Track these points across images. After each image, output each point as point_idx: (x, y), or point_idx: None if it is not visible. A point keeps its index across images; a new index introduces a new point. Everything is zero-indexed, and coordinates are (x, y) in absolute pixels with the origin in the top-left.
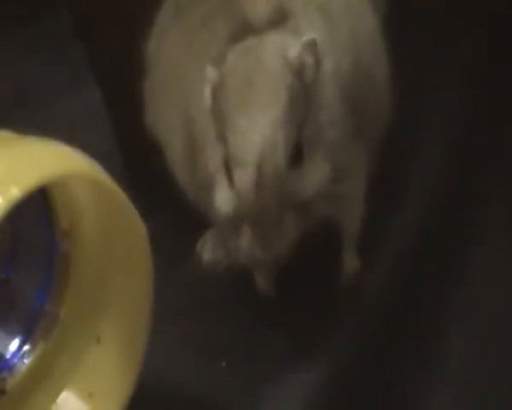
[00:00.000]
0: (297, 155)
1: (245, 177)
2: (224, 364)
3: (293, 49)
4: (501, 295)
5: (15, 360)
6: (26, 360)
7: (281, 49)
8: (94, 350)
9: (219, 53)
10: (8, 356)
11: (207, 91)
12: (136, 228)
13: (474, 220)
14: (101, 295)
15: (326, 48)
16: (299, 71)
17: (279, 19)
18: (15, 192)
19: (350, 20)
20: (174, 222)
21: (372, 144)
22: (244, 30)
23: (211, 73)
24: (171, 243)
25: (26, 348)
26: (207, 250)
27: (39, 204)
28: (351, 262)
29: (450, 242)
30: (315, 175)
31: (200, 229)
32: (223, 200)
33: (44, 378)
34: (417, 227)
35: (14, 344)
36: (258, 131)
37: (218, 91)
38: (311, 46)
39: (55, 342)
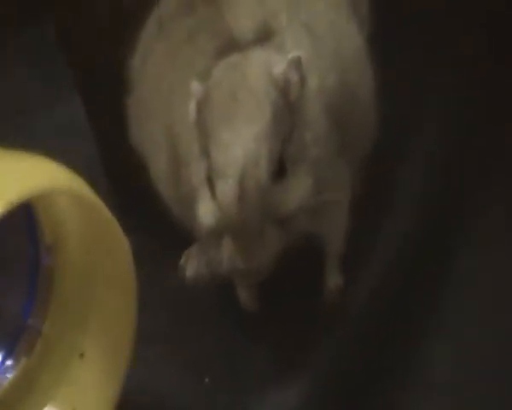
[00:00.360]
0: (280, 170)
1: (227, 189)
2: (206, 380)
3: (279, 66)
4: (489, 304)
5: None
6: (8, 375)
7: (266, 66)
8: (77, 365)
9: (204, 68)
10: None
11: (192, 106)
12: (119, 243)
13: (473, 222)
14: (84, 310)
15: (311, 65)
16: (283, 88)
17: (264, 35)
18: None
19: (335, 38)
20: (157, 237)
21: (356, 161)
22: (229, 46)
23: (196, 87)
24: (155, 258)
25: (8, 362)
26: (190, 265)
27: (23, 218)
28: (333, 279)
29: (444, 248)
30: (297, 190)
31: (183, 244)
32: (205, 212)
33: (27, 393)
34: (410, 234)
35: None
36: (240, 144)
37: (202, 105)
38: (296, 64)
39: (38, 357)
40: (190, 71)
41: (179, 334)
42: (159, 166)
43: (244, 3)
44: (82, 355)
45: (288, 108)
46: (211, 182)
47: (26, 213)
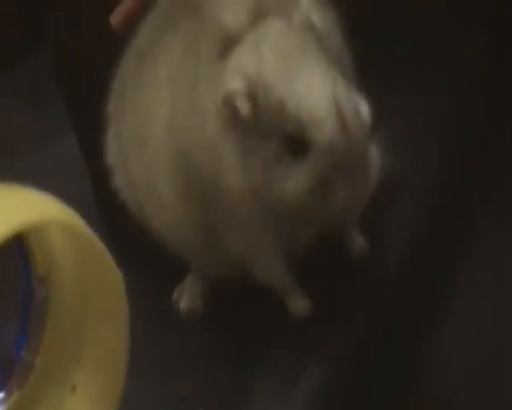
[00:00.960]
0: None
1: (329, 127)
2: None
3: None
4: (489, 313)
5: None
6: (1, 408)
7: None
8: (69, 399)
9: (211, 73)
10: None
11: (241, 103)
12: (112, 275)
13: (472, 225)
14: (77, 343)
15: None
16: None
17: (259, 17)
18: None
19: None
20: (151, 271)
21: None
22: (230, 42)
23: (235, 85)
24: (148, 291)
25: (0, 395)
26: (184, 298)
27: (16, 250)
28: (359, 242)
29: (444, 250)
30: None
31: (176, 278)
32: (296, 181)
33: None
34: (412, 233)
35: None
36: (319, 85)
37: (254, 91)
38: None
39: (30, 390)
40: (195, 83)
41: (173, 367)
42: (160, 195)
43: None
44: (74, 389)
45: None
46: (293, 148)
47: (19, 245)
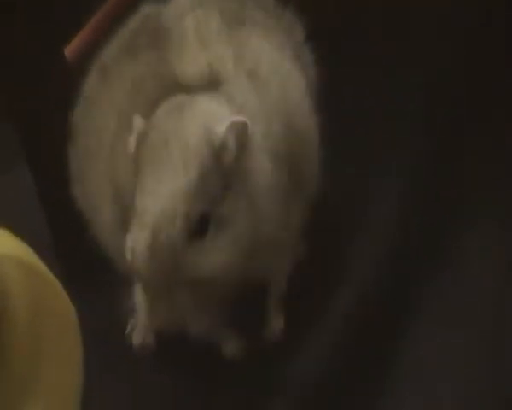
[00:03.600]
0: (200, 231)
1: (140, 237)
2: None
3: (219, 127)
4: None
5: None
6: None
7: (206, 119)
8: None
9: (149, 112)
10: None
11: (132, 139)
12: (65, 310)
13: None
14: (28, 379)
15: (256, 113)
16: (218, 151)
17: (210, 82)
18: None
19: (279, 80)
20: (104, 302)
21: (303, 202)
22: (175, 90)
23: (137, 121)
24: (103, 325)
25: None
26: (137, 334)
27: None
28: (276, 320)
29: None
30: (216, 255)
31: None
32: (128, 247)
33: None
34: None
35: None
36: (160, 197)
37: (140, 142)
38: (239, 129)
39: None
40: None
41: (125, 404)
42: (103, 218)
43: (188, 48)
44: None
45: (220, 170)
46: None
47: None
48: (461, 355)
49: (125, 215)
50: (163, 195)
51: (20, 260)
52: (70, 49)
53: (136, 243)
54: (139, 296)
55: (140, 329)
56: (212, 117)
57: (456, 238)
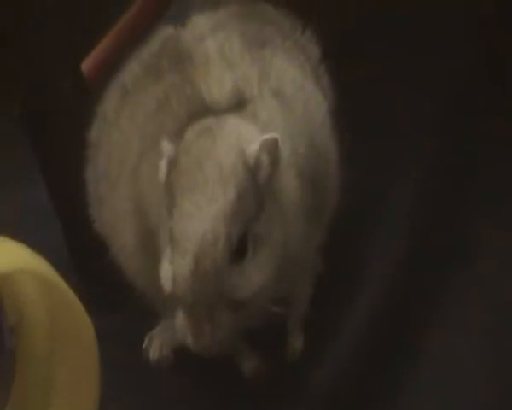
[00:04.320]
0: (241, 251)
1: (182, 263)
2: None
3: (252, 145)
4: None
5: None
6: None
7: (238, 139)
8: None
9: (177, 131)
10: None
11: (163, 165)
12: (83, 325)
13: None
14: (46, 392)
15: (283, 133)
16: (253, 169)
17: (237, 103)
18: None
19: (303, 101)
20: (121, 319)
21: (325, 222)
22: (202, 110)
23: (167, 146)
24: (119, 340)
25: None
26: (154, 348)
27: None
28: (296, 341)
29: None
30: (257, 274)
31: (147, 325)
32: (166, 276)
33: None
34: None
35: None
36: (200, 221)
37: (172, 167)
38: (270, 146)
39: None
40: (161, 138)
41: None
42: (124, 241)
43: (213, 69)
44: None
45: (255, 188)
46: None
47: None
48: (489, 361)
49: (148, 238)
50: (203, 219)
51: (37, 274)
52: (87, 65)
53: (178, 270)
54: (180, 321)
55: (157, 344)
56: (242, 137)
57: (475, 238)
